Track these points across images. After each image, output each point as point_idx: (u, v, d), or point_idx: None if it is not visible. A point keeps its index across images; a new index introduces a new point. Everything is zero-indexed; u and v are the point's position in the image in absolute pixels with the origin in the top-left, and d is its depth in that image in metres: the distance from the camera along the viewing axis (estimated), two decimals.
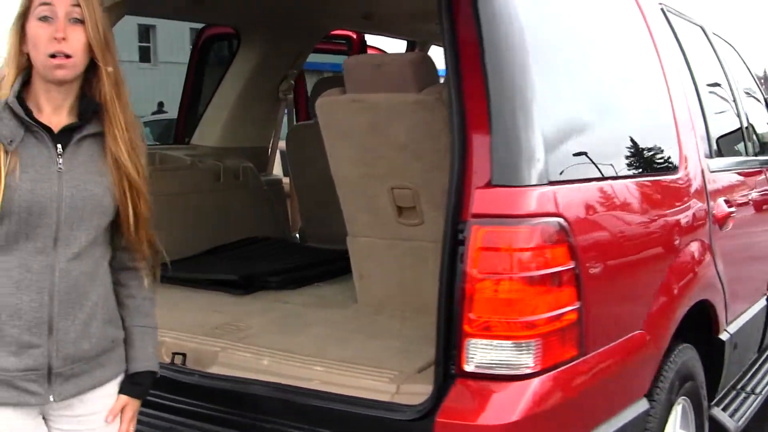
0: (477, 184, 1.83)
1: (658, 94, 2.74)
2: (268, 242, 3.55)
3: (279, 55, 3.62)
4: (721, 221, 2.99)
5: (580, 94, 2.23)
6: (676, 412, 2.74)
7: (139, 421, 1.94)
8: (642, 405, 2.34)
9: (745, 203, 3.45)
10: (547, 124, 1.93)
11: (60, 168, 1.76)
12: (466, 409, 1.81)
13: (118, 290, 1.89)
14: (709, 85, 3.55)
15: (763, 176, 3.84)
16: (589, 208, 2.03)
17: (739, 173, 3.48)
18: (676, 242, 2.51)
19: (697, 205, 2.79)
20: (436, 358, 1.89)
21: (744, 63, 4.60)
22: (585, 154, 2.12)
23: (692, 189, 2.76)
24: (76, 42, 1.72)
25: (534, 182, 1.84)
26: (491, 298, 1.82)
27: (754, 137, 4.27)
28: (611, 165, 2.25)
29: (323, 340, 2.48)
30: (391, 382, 2.09)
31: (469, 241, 1.81)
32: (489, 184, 1.83)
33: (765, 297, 3.87)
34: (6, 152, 1.72)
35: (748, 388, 3.77)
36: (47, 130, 1.77)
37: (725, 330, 3.17)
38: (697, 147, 2.91)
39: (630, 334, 2.24)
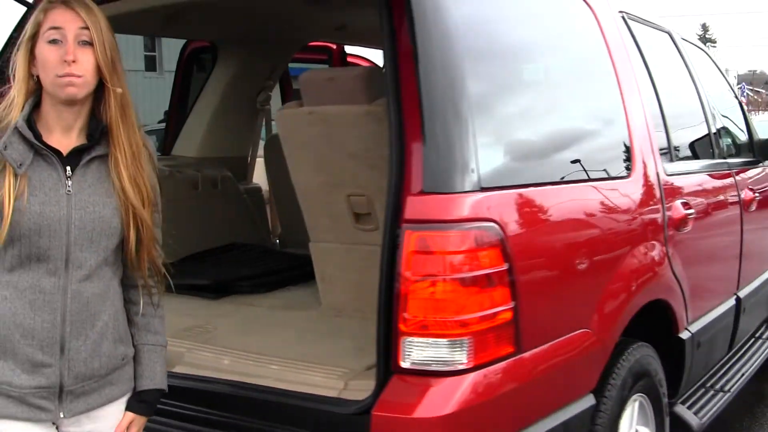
0: (411, 192, 1.94)
1: (610, 101, 2.84)
2: (246, 248, 3.67)
3: (255, 68, 3.74)
4: (679, 223, 3.08)
5: (520, 104, 2.34)
6: (633, 408, 2.82)
7: None
8: (588, 401, 2.43)
9: (708, 205, 3.53)
10: (482, 134, 2.03)
11: (69, 191, 1.78)
12: (401, 403, 1.91)
13: (128, 307, 1.92)
14: (672, 90, 3.64)
15: (731, 179, 3.92)
16: (525, 213, 2.13)
17: (702, 176, 3.56)
18: (624, 244, 2.60)
19: (650, 208, 2.88)
20: (377, 356, 2.00)
21: (717, 67, 4.69)
22: (523, 161, 2.22)
23: (645, 193, 2.85)
24: (85, 64, 1.75)
25: (465, 189, 1.95)
26: (425, 298, 1.93)
27: (726, 140, 4.37)
28: (552, 171, 2.35)
29: (284, 340, 2.59)
30: (340, 379, 2.20)
31: (403, 245, 1.92)
32: (421, 192, 1.94)
33: (734, 297, 3.96)
34: (15, 175, 1.74)
35: (718, 386, 3.85)
36: (56, 153, 1.79)
37: (686, 329, 3.25)
38: (653, 152, 3.00)
39: (573, 333, 2.34)
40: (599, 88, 2.83)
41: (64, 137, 1.80)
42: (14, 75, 1.80)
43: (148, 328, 1.93)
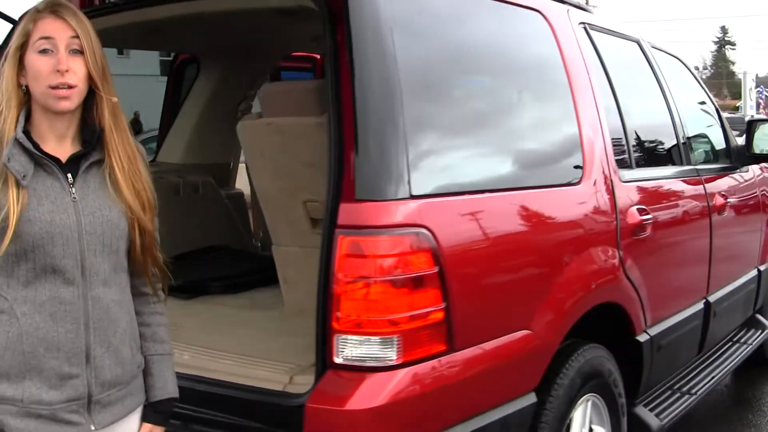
0: (345, 199, 2.08)
1: (560, 111, 2.95)
2: (224, 251, 3.82)
3: (236, 78, 3.89)
4: (635, 229, 3.18)
5: (458, 117, 2.45)
6: (585, 407, 2.93)
7: None
8: (529, 399, 2.54)
9: (670, 211, 3.63)
10: (416, 146, 2.16)
11: (74, 197, 1.77)
12: (334, 396, 2.04)
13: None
14: (635, 99, 3.75)
15: (699, 185, 4.00)
16: (458, 219, 2.25)
17: (664, 183, 3.65)
18: (568, 249, 2.71)
19: (601, 214, 2.98)
20: (315, 353, 2.13)
21: (693, 75, 4.78)
22: (460, 171, 2.34)
23: (596, 199, 2.96)
24: (78, 72, 1.74)
25: (396, 197, 2.08)
26: (357, 299, 2.06)
27: (699, 147, 4.46)
28: (492, 180, 2.47)
29: (244, 338, 2.74)
30: (286, 374, 2.33)
31: (336, 249, 2.05)
32: (355, 199, 2.07)
33: (703, 301, 4.04)
34: (18, 187, 1.72)
35: (685, 389, 3.94)
36: (55, 161, 1.77)
37: (645, 332, 3.35)
38: (607, 160, 3.10)
39: (513, 333, 2.45)
40: (549, 99, 2.94)
41: (59, 146, 1.80)
42: (3, 87, 1.77)
43: (155, 338, 1.92)
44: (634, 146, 3.46)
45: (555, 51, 3.03)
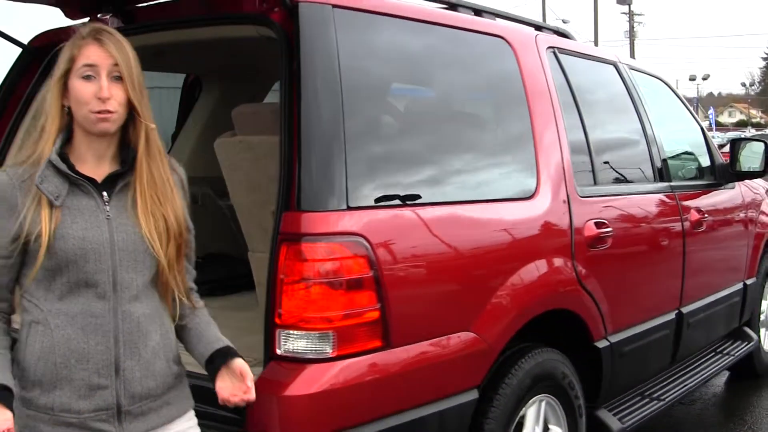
0: (290, 209, 2.34)
1: (515, 130, 3.18)
2: (218, 257, 4.10)
3: (235, 97, 4.18)
4: (592, 241, 3.38)
5: (401, 136, 2.71)
6: (538, 406, 3.13)
7: None
8: (470, 395, 2.75)
9: (635, 225, 3.81)
10: (355, 162, 2.41)
11: (108, 215, 1.85)
12: (274, 383, 2.29)
13: (177, 325, 2.00)
14: (605, 119, 3.95)
15: (672, 201, 4.17)
16: (395, 228, 2.49)
17: (630, 198, 3.83)
18: (514, 258, 2.92)
19: (554, 226, 3.19)
20: (263, 346, 2.39)
21: (676, 95, 4.95)
22: (401, 185, 2.59)
23: (549, 212, 3.16)
24: (118, 98, 1.83)
25: (334, 208, 2.34)
26: (297, 298, 2.31)
27: (677, 165, 4.62)
28: (434, 193, 2.70)
29: None
30: None
31: (281, 254, 2.32)
32: (298, 209, 2.33)
33: (676, 312, 4.20)
34: (51, 207, 1.81)
35: (655, 395, 4.11)
36: (91, 181, 1.86)
37: (605, 339, 3.54)
38: (564, 176, 3.30)
39: (453, 334, 2.67)
40: (504, 119, 3.18)
41: (97, 166, 1.88)
42: (47, 108, 1.88)
43: (201, 338, 2.04)
44: (599, 164, 3.65)
45: (515, 73, 3.26)
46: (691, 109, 5.03)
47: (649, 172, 4.11)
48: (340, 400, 2.32)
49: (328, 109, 2.40)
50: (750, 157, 4.98)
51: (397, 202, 2.55)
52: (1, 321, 1.90)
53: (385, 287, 2.41)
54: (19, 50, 3.40)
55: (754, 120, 72.36)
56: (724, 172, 4.94)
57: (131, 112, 1.88)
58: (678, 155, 4.71)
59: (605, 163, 3.76)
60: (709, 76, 61.82)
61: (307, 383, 2.27)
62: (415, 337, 2.55)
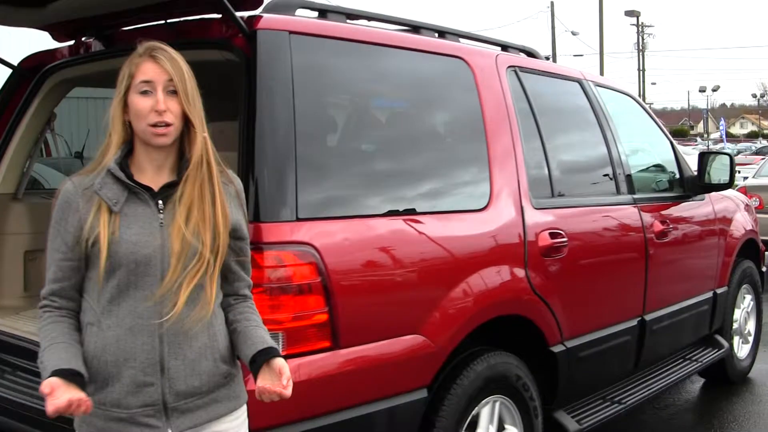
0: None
1: (469, 147, 3.38)
2: None
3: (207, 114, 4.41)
4: (546, 250, 3.57)
5: (352, 154, 2.92)
6: (492, 406, 3.31)
7: None
8: (420, 394, 2.94)
9: (593, 235, 3.99)
10: (305, 178, 2.62)
11: (161, 223, 1.95)
12: None
13: (228, 327, 2.08)
14: (565, 135, 4.15)
15: (634, 211, 4.35)
16: (344, 238, 2.69)
17: (587, 210, 4.02)
18: (463, 266, 3.11)
19: (506, 236, 3.38)
20: None
21: (645, 111, 5.13)
22: (351, 200, 2.80)
23: (501, 223, 3.36)
24: (174, 111, 1.94)
25: (285, 219, 2.54)
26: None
27: (642, 177, 4.80)
28: (385, 206, 2.90)
29: None
30: None
31: None
32: (254, 221, 2.53)
33: (638, 319, 4.37)
34: (110, 212, 1.93)
35: (617, 398, 4.28)
36: (148, 189, 1.97)
37: (561, 344, 3.72)
38: (518, 189, 3.50)
39: (401, 337, 2.87)
40: (457, 136, 3.38)
41: (157, 175, 1.99)
42: (110, 123, 2.00)
43: (247, 340, 2.07)
44: (557, 177, 3.84)
45: (472, 91, 3.46)
46: (661, 123, 5.20)
47: (611, 185, 4.29)
48: (293, 395, 2.51)
49: (281, 127, 2.61)
50: (719, 170, 5.16)
51: (347, 213, 2.75)
52: (72, 318, 2.01)
53: (333, 292, 2.61)
54: (9, 71, 3.65)
55: (765, 131, 72.15)
56: (693, 185, 5.11)
57: (186, 124, 1.98)
58: (645, 169, 4.88)
59: (563, 176, 3.94)
60: (719, 87, 61.87)
61: None
62: (364, 339, 2.74)
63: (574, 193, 4.01)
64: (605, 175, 4.30)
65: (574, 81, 4.38)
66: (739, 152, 33.54)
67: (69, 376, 1.86)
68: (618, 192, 4.33)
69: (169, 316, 1.92)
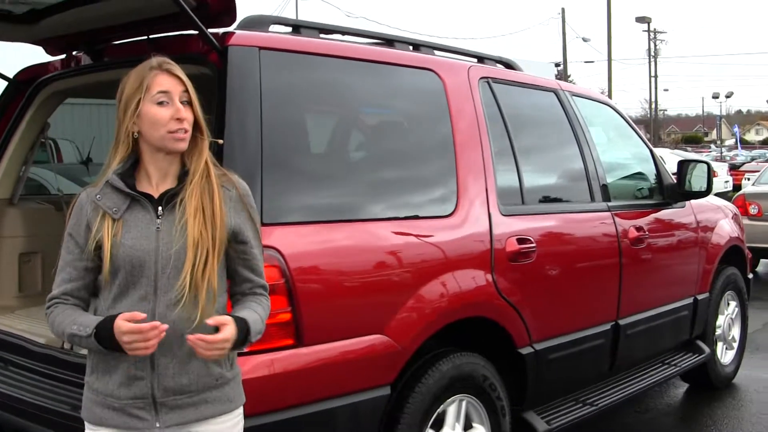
0: None
1: (437, 156, 3.53)
2: None
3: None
4: (512, 255, 3.70)
5: (321, 163, 3.09)
6: (458, 405, 3.45)
7: None
8: (383, 391, 3.09)
9: (562, 241, 4.12)
10: (271, 183, 2.78)
11: (158, 227, 2.08)
12: None
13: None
14: (538, 143, 4.30)
15: (608, 218, 4.47)
16: (308, 242, 2.85)
17: (560, 216, 4.16)
18: (425, 271, 3.25)
19: (472, 241, 3.52)
20: None
21: (625, 120, 5.26)
22: (316, 206, 2.96)
23: (467, 229, 3.50)
24: (189, 119, 2.11)
25: None
26: None
27: (620, 185, 4.93)
28: (350, 212, 3.06)
29: None
30: None
31: None
32: None
33: (612, 323, 4.50)
34: (113, 220, 2.08)
35: (590, 401, 4.40)
36: (148, 197, 2.11)
37: (530, 346, 3.85)
38: (486, 196, 3.64)
39: (364, 336, 3.02)
40: (425, 145, 3.53)
41: (162, 182, 2.14)
42: (118, 135, 2.12)
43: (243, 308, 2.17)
44: (528, 185, 3.98)
45: (442, 101, 3.62)
46: (641, 132, 5.33)
47: (584, 193, 4.42)
48: (254, 388, 2.67)
49: (248, 138, 2.78)
50: (699, 177, 5.27)
51: (312, 219, 2.92)
52: (84, 309, 2.18)
53: (296, 293, 2.77)
54: (4, 83, 3.86)
55: None
56: (673, 192, 5.23)
57: (194, 132, 2.13)
58: (623, 177, 5.01)
59: (534, 184, 4.09)
60: (732, 93, 61.58)
61: None
62: (327, 338, 2.90)
63: (544, 201, 4.15)
64: (578, 183, 4.43)
65: (549, 91, 4.52)
66: (753, 159, 33.40)
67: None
68: (592, 199, 4.45)
69: (160, 316, 2.04)
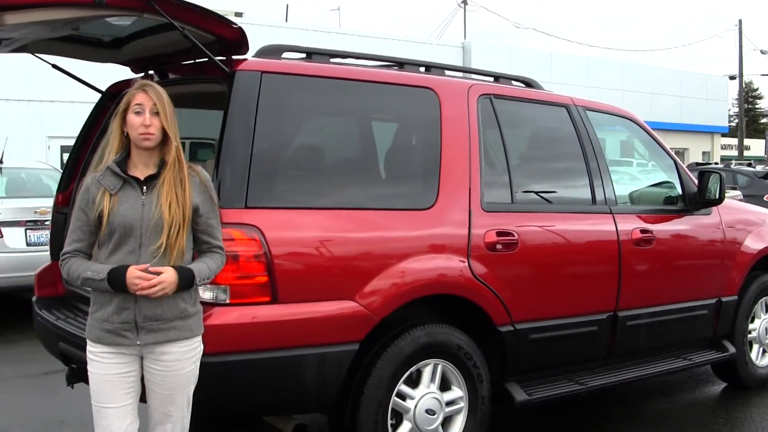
0: None
1: (422, 163, 4.22)
2: None
3: None
4: (489, 245, 4.29)
5: (308, 163, 3.89)
6: (432, 367, 4.11)
7: None
8: (350, 347, 3.80)
9: (552, 236, 4.65)
10: (258, 174, 3.60)
11: (143, 202, 2.93)
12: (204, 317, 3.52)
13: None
14: (536, 153, 4.87)
15: (608, 219, 4.94)
16: (287, 223, 3.65)
17: (551, 215, 4.69)
18: (396, 252, 3.94)
19: (450, 230, 4.17)
20: None
21: (648, 133, 5.64)
22: (298, 196, 3.75)
23: (445, 219, 4.16)
24: (156, 125, 2.93)
25: (237, 207, 3.53)
26: None
27: (626, 191, 5.36)
28: (332, 204, 3.83)
29: None
30: None
31: None
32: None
33: (609, 314, 4.95)
34: (110, 195, 2.94)
35: (581, 380, 4.86)
36: (136, 179, 2.97)
37: (510, 324, 4.43)
38: (469, 195, 4.27)
39: (336, 301, 3.75)
40: (414, 151, 4.25)
41: (145, 169, 2.99)
42: (113, 133, 3.02)
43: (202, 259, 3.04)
44: (518, 187, 4.56)
45: (435, 115, 4.31)
46: (663, 143, 5.69)
47: (584, 197, 4.93)
48: (234, 332, 3.51)
49: (240, 142, 3.63)
50: (714, 186, 5.56)
51: (292, 205, 3.72)
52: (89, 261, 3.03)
53: (273, 261, 3.58)
54: (99, 95, 4.94)
55: None
56: (693, 200, 5.58)
57: (165, 136, 2.97)
58: (642, 185, 5.40)
59: (527, 186, 4.66)
60: None
61: (213, 318, 3.47)
62: (300, 298, 3.68)
63: (534, 201, 4.69)
64: (578, 188, 4.93)
65: (560, 106, 5.05)
66: None
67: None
68: (593, 203, 4.95)
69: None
